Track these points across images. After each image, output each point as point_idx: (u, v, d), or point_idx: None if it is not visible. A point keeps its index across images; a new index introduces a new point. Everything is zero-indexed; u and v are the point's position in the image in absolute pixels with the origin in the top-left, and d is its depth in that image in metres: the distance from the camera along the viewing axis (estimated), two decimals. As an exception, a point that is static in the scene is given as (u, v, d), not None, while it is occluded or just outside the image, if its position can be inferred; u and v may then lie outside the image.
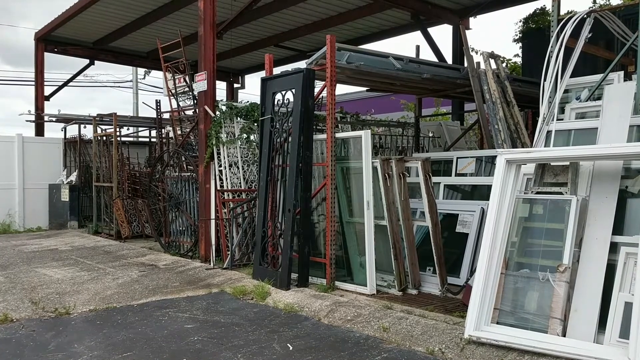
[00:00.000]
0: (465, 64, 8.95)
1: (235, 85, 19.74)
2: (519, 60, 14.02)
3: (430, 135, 12.13)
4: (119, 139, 12.58)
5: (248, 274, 7.77)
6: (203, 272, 8.17)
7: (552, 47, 6.25)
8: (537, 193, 5.17)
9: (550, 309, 4.60)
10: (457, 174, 8.43)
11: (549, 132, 5.90)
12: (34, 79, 16.03)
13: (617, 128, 5.26)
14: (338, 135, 7.25)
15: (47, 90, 16.26)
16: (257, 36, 15.26)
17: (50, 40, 15.68)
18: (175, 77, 10.26)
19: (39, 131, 15.56)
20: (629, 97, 5.38)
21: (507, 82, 8.04)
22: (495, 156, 5.45)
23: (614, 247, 4.61)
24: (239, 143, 9.02)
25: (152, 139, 15.21)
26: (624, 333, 4.16)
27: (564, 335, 4.48)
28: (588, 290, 4.57)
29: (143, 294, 7.05)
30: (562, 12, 6.65)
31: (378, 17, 13.40)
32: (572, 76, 6.24)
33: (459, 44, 12.79)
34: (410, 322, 5.38)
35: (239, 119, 9.05)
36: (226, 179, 8.86)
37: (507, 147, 7.23)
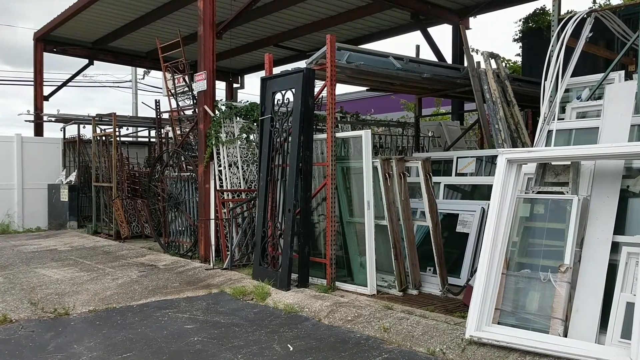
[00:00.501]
0: (465, 64, 8.94)
1: (235, 85, 19.71)
2: (519, 60, 13.99)
3: (430, 135, 12.11)
4: (118, 139, 12.55)
5: (248, 274, 7.76)
6: (203, 273, 8.15)
7: (552, 46, 6.23)
8: (538, 193, 5.16)
9: (552, 309, 4.59)
10: (457, 174, 8.42)
11: (549, 132, 5.88)
12: (33, 79, 16.00)
13: (618, 127, 5.24)
14: (338, 135, 7.24)
15: (46, 90, 16.23)
16: (257, 36, 15.24)
17: (49, 40, 15.65)
18: (175, 77, 10.25)
19: (38, 131, 15.53)
20: (630, 97, 5.36)
21: (507, 82, 8.03)
22: (495, 156, 5.43)
23: (615, 247, 4.59)
24: (239, 143, 9.00)
25: (152, 139, 15.19)
26: (626, 333, 4.15)
27: (566, 336, 4.47)
28: (589, 290, 4.55)
29: (143, 295, 7.03)
30: (562, 12, 6.62)
31: (377, 17, 13.38)
32: (572, 76, 6.21)
33: (459, 44, 12.77)
34: (411, 323, 5.37)
35: (238, 118, 9.03)
36: (226, 179, 8.83)
37: (508, 147, 7.22)
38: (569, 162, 5.04)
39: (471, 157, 8.50)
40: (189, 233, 9.80)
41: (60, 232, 13.42)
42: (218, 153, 8.85)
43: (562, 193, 4.99)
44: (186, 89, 10.21)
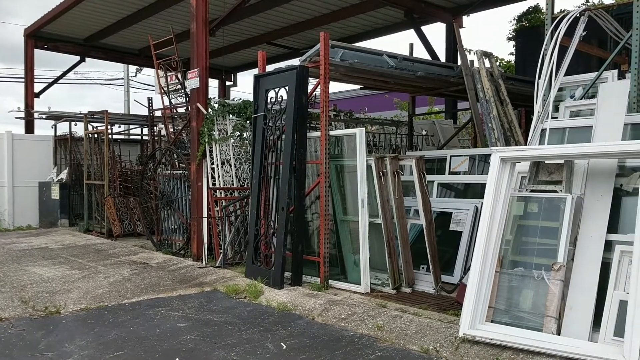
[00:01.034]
0: (459, 63, 8.94)
1: (228, 83, 19.66)
2: (512, 58, 14.03)
3: (424, 133, 12.12)
4: (110, 136, 12.47)
5: (241, 272, 7.73)
6: (195, 271, 8.12)
7: (546, 45, 6.23)
8: (532, 191, 5.16)
9: (545, 307, 4.59)
10: (450, 173, 8.43)
11: (543, 130, 5.89)
12: (23, 76, 15.87)
13: (611, 126, 5.25)
14: (332, 132, 7.22)
15: (37, 87, 16.12)
16: (250, 34, 15.19)
17: (40, 36, 15.54)
18: (168, 74, 10.20)
19: (29, 128, 15.40)
20: (623, 96, 5.37)
21: (500, 81, 8.03)
22: (488, 155, 5.43)
23: (608, 246, 4.60)
24: (232, 141, 8.96)
25: (144, 137, 15.12)
26: (619, 331, 4.16)
27: (559, 334, 4.47)
28: (583, 288, 4.56)
29: (135, 293, 6.99)
30: (555, 11, 6.63)
31: (371, 15, 13.38)
32: (566, 74, 6.22)
33: (453, 43, 12.81)
34: (404, 321, 5.36)
35: (231, 116, 9.00)
36: (218, 176, 8.80)
37: (501, 146, 7.22)
38: (562, 161, 5.04)
39: (464, 155, 8.51)
40: (181, 231, 9.76)
41: (51, 230, 13.33)
42: (211, 151, 8.81)
43: (555, 192, 4.99)
44: (179, 86, 10.17)
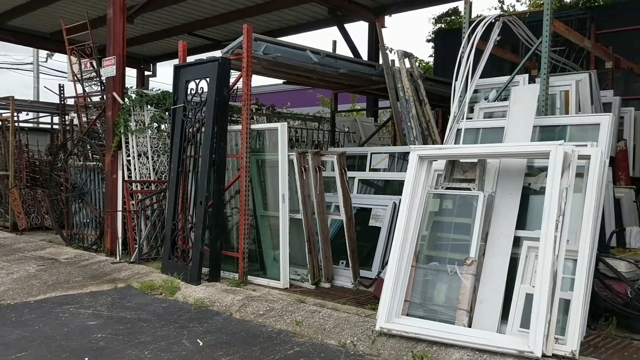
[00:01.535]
0: (381, 62, 9.09)
1: (147, 73, 19.03)
2: (432, 60, 14.45)
3: (346, 130, 12.24)
4: (16, 124, 11.75)
5: (157, 268, 7.50)
6: (109, 266, 7.80)
7: (463, 48, 6.46)
8: (447, 188, 5.32)
9: (458, 301, 4.75)
10: (371, 169, 8.56)
11: (459, 130, 6.10)
12: None
13: (522, 128, 5.51)
14: (253, 126, 7.14)
15: None
16: (171, 23, 14.76)
17: (-63, 14, 14.36)
18: (82, 61, 9.72)
19: None
20: (533, 99, 5.65)
21: (420, 81, 8.24)
22: (408, 152, 5.55)
23: (517, 241, 4.82)
24: (149, 132, 8.68)
25: (55, 126, 14.37)
26: (525, 323, 4.37)
27: (470, 326, 4.64)
28: (493, 282, 4.75)
29: (41, 290, 6.61)
30: (473, 15, 6.88)
31: (295, 10, 13.35)
32: (481, 77, 6.47)
33: (375, 42, 13.01)
34: (322, 316, 5.39)
35: (149, 107, 8.70)
36: (135, 169, 8.49)
37: (419, 144, 7.42)
38: (476, 160, 5.23)
39: (384, 153, 8.67)
40: (94, 225, 9.35)
41: (-52, 223, 12.38)
42: (127, 142, 8.49)
43: (469, 189, 5.17)
44: (93, 74, 9.72)
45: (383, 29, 11.99)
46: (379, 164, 8.53)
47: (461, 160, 5.35)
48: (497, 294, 4.70)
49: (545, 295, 4.17)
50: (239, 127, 7.08)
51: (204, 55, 7.35)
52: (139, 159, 8.53)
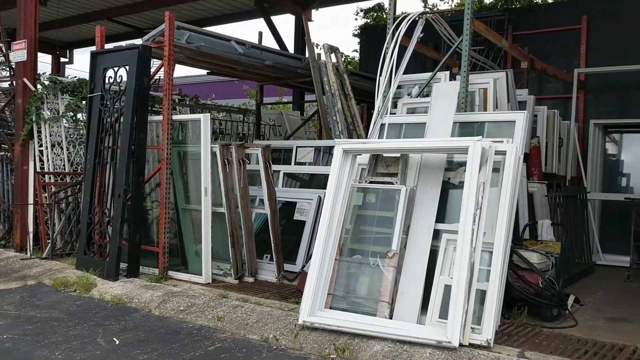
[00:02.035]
0: (307, 55, 9.06)
1: (63, 60, 18.07)
2: (357, 55, 14.58)
3: (272, 123, 12.14)
4: None
5: (71, 264, 7.14)
6: (18, 263, 7.36)
7: (387, 44, 6.54)
8: (371, 182, 5.38)
9: (380, 293, 4.82)
10: (296, 163, 8.53)
11: (382, 125, 6.18)
12: None
13: (442, 124, 5.65)
14: (175, 117, 6.92)
15: None
16: (89, 7, 14.07)
17: None
18: (-12, 44, 9.09)
19: None
20: (453, 96, 5.80)
21: (345, 75, 8.28)
22: (333, 146, 5.57)
23: (437, 234, 4.94)
24: (64, 121, 8.25)
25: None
26: (444, 314, 4.48)
27: (392, 317, 4.72)
28: (413, 274, 4.85)
29: (-60, 289, 6.15)
30: (397, 12, 6.97)
31: (221, 0, 13.09)
32: (404, 73, 6.58)
33: (301, 35, 12.96)
34: (245, 310, 5.31)
35: (64, 95, 8.26)
36: (48, 160, 8.04)
37: (344, 138, 7.46)
38: (398, 155, 5.31)
39: (310, 146, 8.67)
40: (2, 219, 8.80)
41: None
42: (39, 132, 8.02)
43: (391, 183, 5.25)
44: (2, 58, 9.12)
45: (310, 23, 11.97)
46: (305, 158, 8.52)
47: (384, 155, 5.42)
48: (418, 286, 4.79)
49: (462, 287, 4.29)
50: (160, 117, 6.85)
51: (124, 43, 7.03)
52: (52, 149, 8.09)
